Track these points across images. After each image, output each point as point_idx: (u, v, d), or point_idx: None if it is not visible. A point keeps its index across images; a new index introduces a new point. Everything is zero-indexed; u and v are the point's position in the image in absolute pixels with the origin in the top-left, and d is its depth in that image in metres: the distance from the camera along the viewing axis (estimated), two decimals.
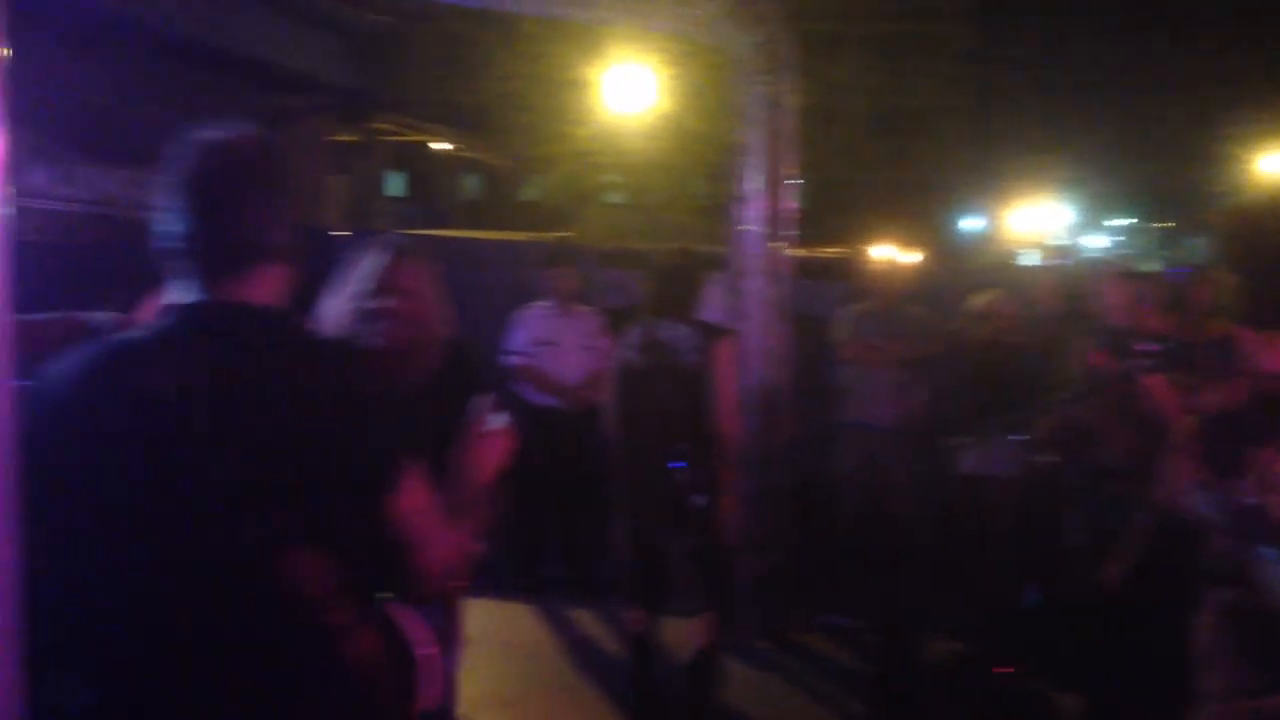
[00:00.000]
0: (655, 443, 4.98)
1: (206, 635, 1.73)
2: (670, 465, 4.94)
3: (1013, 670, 4.70)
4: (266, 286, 1.86)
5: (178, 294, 1.83)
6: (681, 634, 5.00)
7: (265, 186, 1.87)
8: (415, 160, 28.76)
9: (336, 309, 3.06)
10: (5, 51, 1.27)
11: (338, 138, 15.39)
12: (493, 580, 6.53)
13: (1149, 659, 4.31)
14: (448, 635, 2.94)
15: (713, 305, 6.62)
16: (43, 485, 1.58)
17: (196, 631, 1.73)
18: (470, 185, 40.02)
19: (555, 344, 6.83)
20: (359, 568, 1.83)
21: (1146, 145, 28.50)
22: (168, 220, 1.83)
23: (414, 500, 1.86)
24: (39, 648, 1.52)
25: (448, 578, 1.97)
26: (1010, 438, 4.48)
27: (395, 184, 32.40)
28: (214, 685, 1.73)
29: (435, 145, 20.54)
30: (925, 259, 7.24)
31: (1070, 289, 6.92)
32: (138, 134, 7.96)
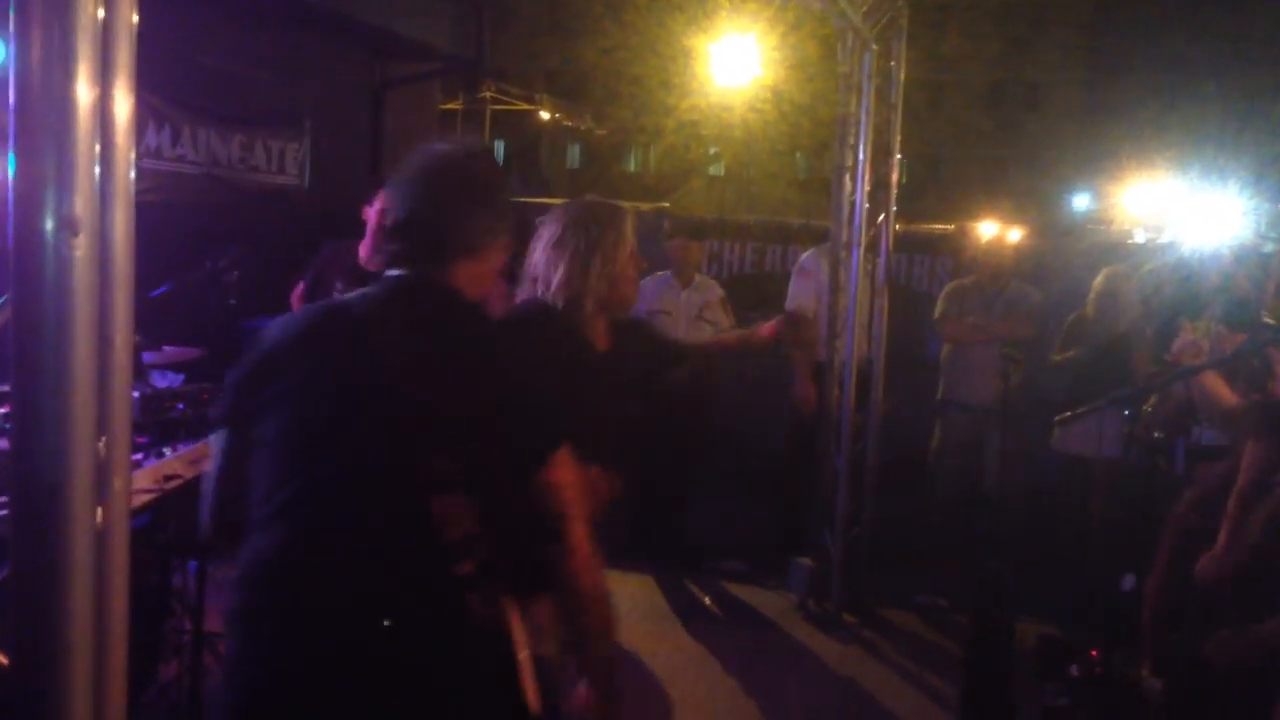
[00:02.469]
0: None
1: (355, 538, 2.02)
2: None
3: (1106, 655, 4.61)
4: (463, 275, 2.21)
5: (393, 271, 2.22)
6: None
7: (472, 195, 2.26)
8: (519, 129, 28.97)
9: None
10: (134, 18, 1.29)
11: (445, 105, 15.54)
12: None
13: (1237, 650, 4.20)
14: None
15: (812, 277, 6.60)
16: (264, 400, 2.08)
17: (349, 532, 2.03)
18: (572, 155, 40.23)
19: (669, 314, 6.81)
20: (506, 535, 2.09)
21: (1268, 122, 27.49)
22: (391, 213, 2.25)
23: (564, 475, 2.16)
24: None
25: (591, 570, 2.21)
26: (1119, 413, 4.38)
27: (499, 152, 32.64)
28: (346, 581, 2.01)
29: (539, 114, 20.65)
30: (1032, 236, 7.10)
31: (1185, 268, 6.73)
32: (250, 97, 8.15)
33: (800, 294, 6.70)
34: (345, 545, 2.01)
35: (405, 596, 2.01)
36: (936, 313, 6.81)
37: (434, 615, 2.03)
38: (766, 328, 3.75)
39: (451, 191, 2.24)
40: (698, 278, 6.95)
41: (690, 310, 6.79)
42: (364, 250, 5.75)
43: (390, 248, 2.24)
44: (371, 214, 5.69)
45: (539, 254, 3.15)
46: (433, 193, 2.24)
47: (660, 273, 6.89)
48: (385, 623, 1.96)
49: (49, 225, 1.13)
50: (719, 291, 6.88)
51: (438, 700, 2.04)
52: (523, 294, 3.22)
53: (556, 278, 3.08)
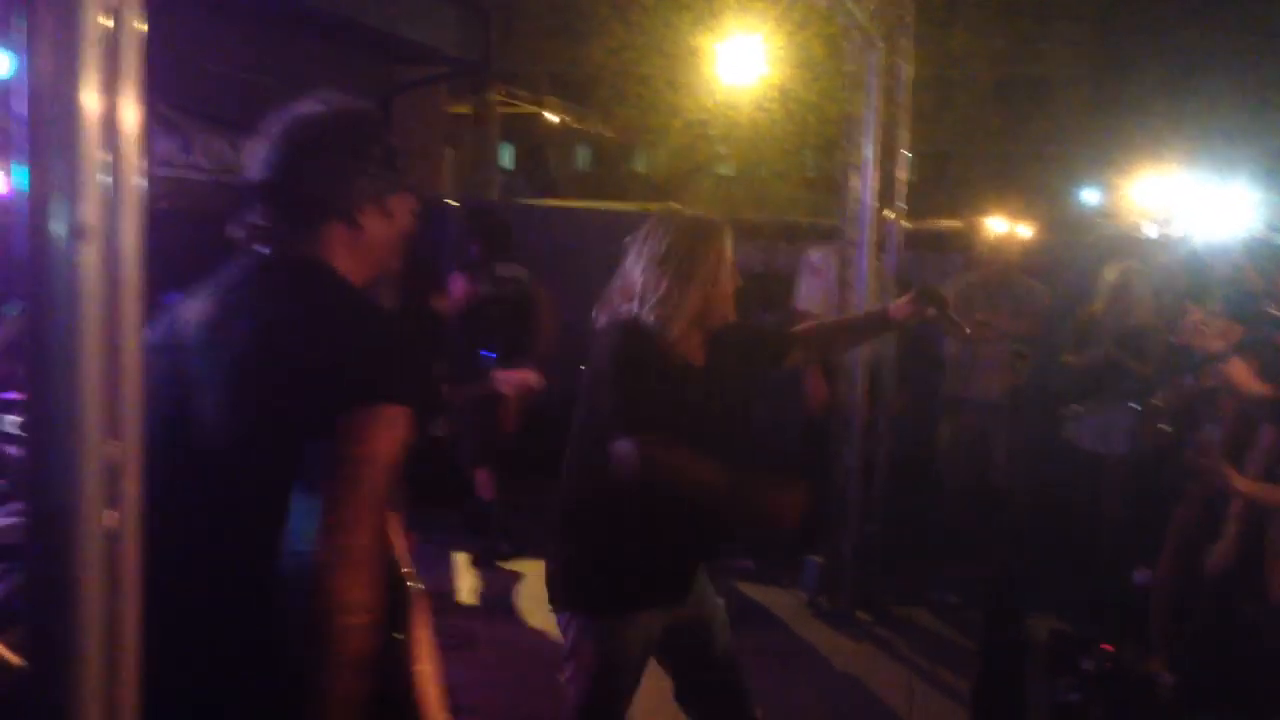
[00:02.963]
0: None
1: (172, 550, 1.71)
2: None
3: (1118, 650, 4.62)
4: (337, 247, 1.95)
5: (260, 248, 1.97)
6: None
7: (339, 149, 1.96)
8: (527, 131, 28.95)
9: None
10: (142, 27, 1.31)
11: (452, 109, 15.56)
12: None
13: (1246, 643, 4.20)
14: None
15: (823, 275, 6.59)
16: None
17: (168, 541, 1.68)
18: (581, 157, 40.22)
19: None
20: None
21: (1278, 114, 27.40)
22: (248, 179, 1.98)
23: (372, 449, 1.76)
24: None
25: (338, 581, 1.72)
26: (1129, 406, 4.39)
27: (506, 155, 32.63)
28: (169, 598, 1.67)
29: (547, 116, 20.64)
30: (1041, 231, 7.07)
31: (1196, 262, 6.72)
32: (259, 104, 8.16)
33: (810, 292, 6.69)
34: (170, 567, 1.69)
35: (226, 610, 1.80)
36: None
37: (257, 628, 1.80)
38: (900, 304, 3.65)
39: (313, 147, 1.95)
40: None
41: None
42: None
43: (247, 220, 1.96)
44: None
45: (637, 268, 3.11)
46: (293, 150, 1.95)
47: None
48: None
49: (59, 232, 1.16)
50: None
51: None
52: (607, 308, 3.18)
53: (656, 295, 3.05)
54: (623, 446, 2.88)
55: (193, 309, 1.93)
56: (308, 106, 1.99)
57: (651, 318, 3.04)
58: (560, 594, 3.18)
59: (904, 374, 6.33)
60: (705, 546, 3.21)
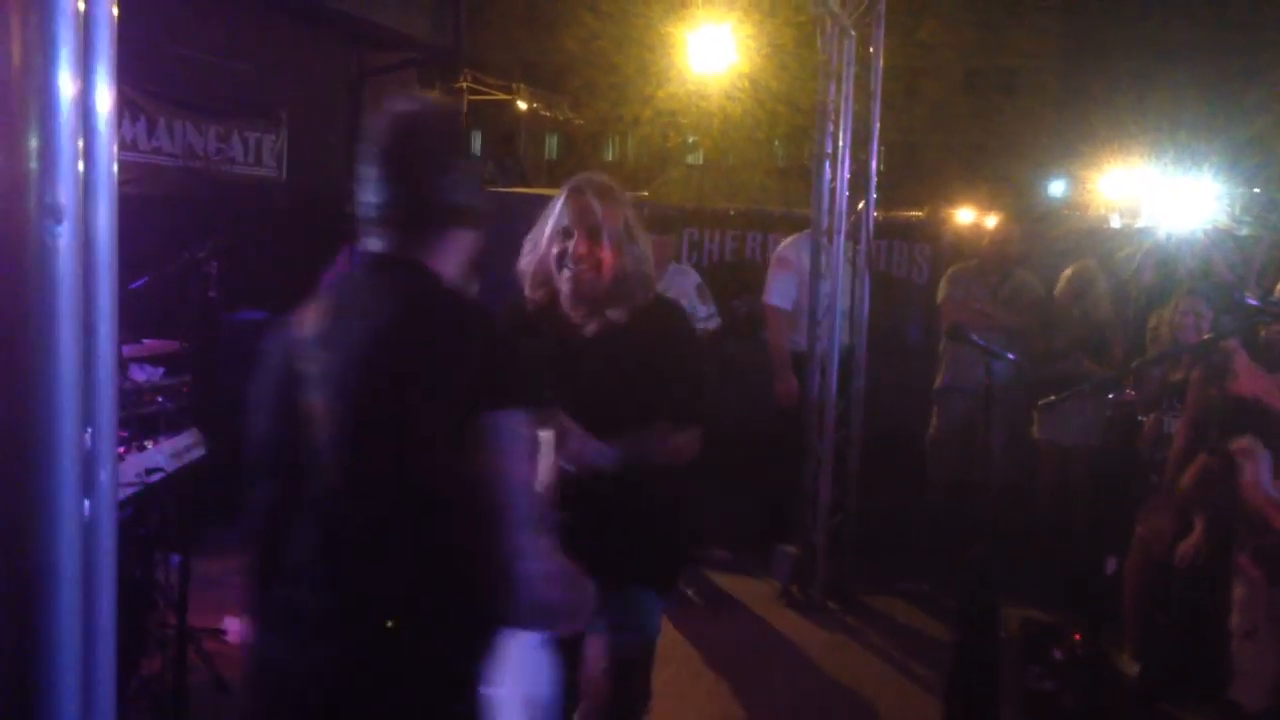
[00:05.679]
0: None
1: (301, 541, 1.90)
2: None
3: (1090, 638, 4.65)
4: (452, 247, 1.97)
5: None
6: None
7: (448, 154, 1.97)
8: (497, 119, 28.84)
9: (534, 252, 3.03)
10: (114, 10, 1.29)
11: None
12: None
13: (1214, 632, 4.25)
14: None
15: (793, 268, 6.58)
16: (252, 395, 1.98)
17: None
18: (550, 145, 40.14)
19: None
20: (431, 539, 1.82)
21: (1242, 107, 27.64)
22: (362, 187, 1.97)
23: (508, 466, 1.78)
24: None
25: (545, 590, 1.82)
26: (1100, 400, 4.41)
27: (476, 143, 32.50)
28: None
29: (517, 104, 20.58)
30: (1006, 222, 7.00)
31: (1162, 253, 6.76)
32: (226, 89, 8.10)
33: (780, 286, 6.59)
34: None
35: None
36: (940, 295, 6.68)
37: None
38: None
39: (443, 157, 1.96)
40: (672, 267, 6.86)
41: None
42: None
43: (365, 230, 1.98)
44: None
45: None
46: (421, 160, 1.95)
47: None
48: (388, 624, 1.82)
49: (32, 213, 1.13)
50: (695, 278, 6.75)
51: None
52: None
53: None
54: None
55: (310, 311, 1.97)
56: (413, 108, 1.99)
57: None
58: None
59: (872, 363, 6.31)
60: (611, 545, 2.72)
